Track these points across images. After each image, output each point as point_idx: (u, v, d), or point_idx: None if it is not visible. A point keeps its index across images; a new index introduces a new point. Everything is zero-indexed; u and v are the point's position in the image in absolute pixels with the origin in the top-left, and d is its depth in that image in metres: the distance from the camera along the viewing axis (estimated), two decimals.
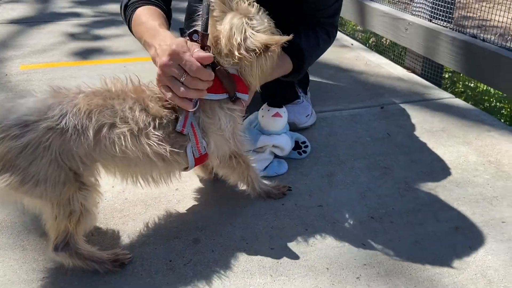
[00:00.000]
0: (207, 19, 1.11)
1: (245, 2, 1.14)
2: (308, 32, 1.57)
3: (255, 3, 1.16)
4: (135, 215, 1.30)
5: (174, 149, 1.09)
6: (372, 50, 2.90)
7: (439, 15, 2.28)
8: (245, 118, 1.56)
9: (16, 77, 2.26)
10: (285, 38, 1.11)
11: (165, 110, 1.10)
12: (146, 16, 1.28)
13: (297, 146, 1.59)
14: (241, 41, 1.10)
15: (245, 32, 1.11)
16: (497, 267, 1.13)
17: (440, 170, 1.55)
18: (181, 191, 1.41)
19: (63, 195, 1.00)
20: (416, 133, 1.80)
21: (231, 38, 1.10)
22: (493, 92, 2.53)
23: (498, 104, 2.48)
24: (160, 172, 1.14)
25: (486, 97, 2.54)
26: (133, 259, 1.13)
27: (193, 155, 1.14)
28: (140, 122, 1.04)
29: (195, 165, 1.18)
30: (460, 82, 2.73)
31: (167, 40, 1.10)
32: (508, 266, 1.14)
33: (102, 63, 2.52)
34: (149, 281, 1.08)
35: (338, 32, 3.22)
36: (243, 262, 1.14)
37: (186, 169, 1.18)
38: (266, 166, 1.50)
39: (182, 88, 1.06)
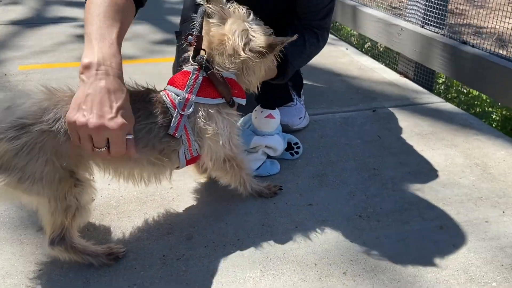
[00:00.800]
0: (202, 22, 1.16)
1: (242, 9, 1.19)
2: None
3: (249, 10, 1.21)
4: (130, 212, 1.34)
5: (162, 157, 1.13)
6: (367, 54, 2.95)
7: (431, 22, 2.34)
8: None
9: (15, 77, 2.29)
10: (290, 39, 1.15)
11: (158, 114, 1.11)
12: (101, 10, 1.11)
13: (289, 147, 1.64)
14: (247, 42, 1.15)
15: (249, 34, 1.16)
16: (479, 264, 1.18)
17: (427, 171, 1.60)
18: (176, 189, 1.44)
19: (59, 192, 1.04)
20: (406, 136, 1.85)
21: (236, 40, 1.15)
22: (485, 98, 2.59)
23: (490, 109, 2.53)
24: (150, 173, 1.18)
25: (477, 102, 2.60)
26: (128, 253, 1.17)
27: (185, 157, 1.18)
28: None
29: (187, 165, 1.22)
30: (454, 87, 2.79)
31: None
32: (489, 263, 1.18)
33: None
34: (143, 275, 1.11)
35: (333, 37, 3.29)
36: (234, 257, 1.18)
37: (177, 168, 1.22)
38: (259, 166, 1.54)
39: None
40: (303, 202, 1.41)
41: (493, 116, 2.43)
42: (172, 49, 2.78)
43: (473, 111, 2.43)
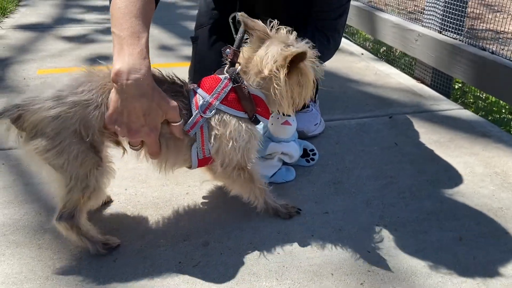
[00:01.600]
0: (241, 38, 1.20)
1: (283, 30, 1.19)
2: (304, 37, 1.58)
3: (294, 31, 1.20)
4: (147, 217, 1.34)
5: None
6: (382, 59, 2.93)
7: (449, 27, 2.31)
8: None
9: (34, 81, 2.33)
10: (298, 50, 1.14)
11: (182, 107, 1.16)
12: (140, 10, 1.13)
13: (305, 153, 1.63)
14: (270, 61, 1.15)
15: (276, 54, 1.15)
16: (499, 277, 1.15)
17: (446, 180, 1.57)
18: (192, 195, 1.45)
19: (82, 170, 1.10)
20: (423, 143, 1.83)
21: (263, 60, 1.16)
22: (503, 104, 2.54)
23: (509, 116, 2.49)
24: (166, 156, 1.20)
25: (495, 108, 2.55)
26: (145, 260, 1.18)
27: (197, 156, 1.20)
28: None
29: (198, 166, 1.24)
30: (471, 93, 2.75)
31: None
32: (510, 276, 1.16)
33: None
34: (159, 281, 1.12)
35: (348, 42, 3.27)
36: (250, 265, 1.18)
37: (189, 167, 1.25)
38: (275, 173, 1.54)
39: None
40: (319, 210, 1.40)
41: None
42: (185, 53, 2.81)
43: (491, 118, 2.39)
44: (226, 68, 1.22)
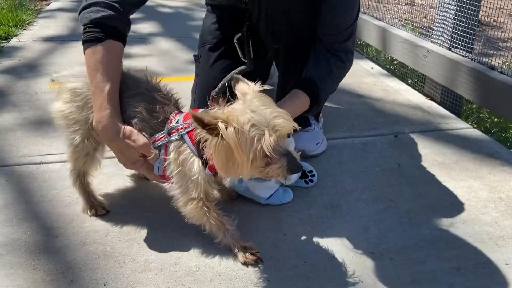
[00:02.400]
0: (223, 84, 1.35)
1: (255, 100, 1.10)
2: (319, 60, 1.56)
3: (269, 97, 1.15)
4: (140, 239, 1.35)
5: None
6: (394, 73, 2.89)
7: (459, 45, 2.26)
8: None
9: (46, 96, 2.38)
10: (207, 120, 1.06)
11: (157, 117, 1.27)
12: (103, 64, 1.31)
13: (303, 174, 1.62)
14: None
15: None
16: None
17: (447, 205, 1.54)
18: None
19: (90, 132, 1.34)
20: (428, 165, 1.79)
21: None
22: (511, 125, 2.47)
23: None
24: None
25: (507, 126, 2.48)
26: (134, 285, 1.18)
27: (158, 172, 1.28)
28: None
29: (159, 181, 1.33)
30: (482, 111, 2.68)
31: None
32: None
33: None
34: None
35: (359, 55, 3.24)
36: None
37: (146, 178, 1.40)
38: (271, 195, 1.53)
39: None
40: (314, 235, 1.38)
41: None
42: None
43: (503, 136, 2.32)
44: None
